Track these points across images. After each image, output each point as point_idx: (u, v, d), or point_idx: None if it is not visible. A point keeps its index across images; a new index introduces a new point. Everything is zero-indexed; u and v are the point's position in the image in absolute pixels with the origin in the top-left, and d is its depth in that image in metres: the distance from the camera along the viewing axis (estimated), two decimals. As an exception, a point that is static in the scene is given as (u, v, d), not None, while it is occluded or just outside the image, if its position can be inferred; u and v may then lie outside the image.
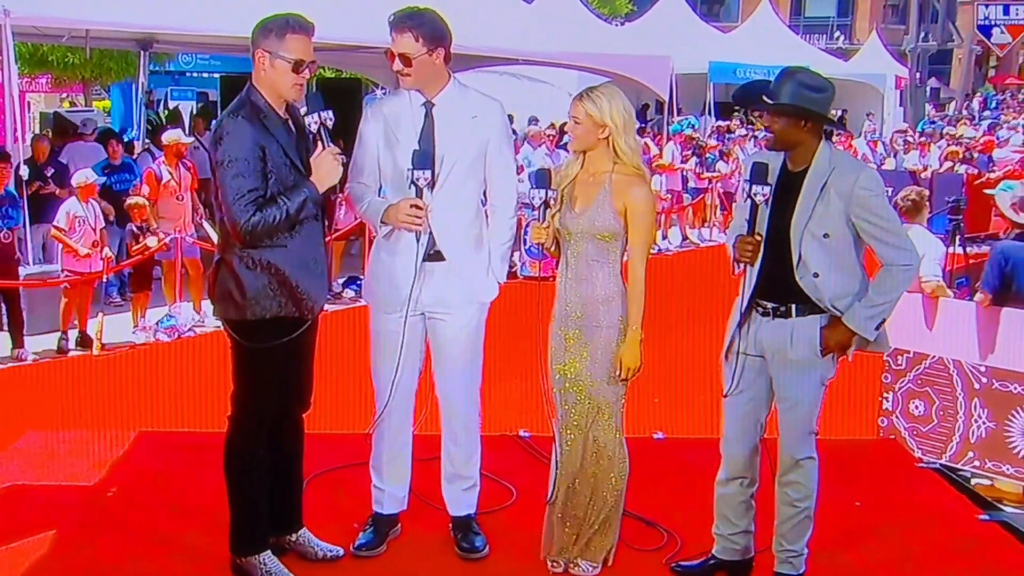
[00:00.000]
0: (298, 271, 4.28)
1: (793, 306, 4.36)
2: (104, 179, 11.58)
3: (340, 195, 11.03)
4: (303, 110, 4.42)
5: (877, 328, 4.32)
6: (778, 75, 4.35)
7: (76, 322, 10.37)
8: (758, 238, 4.36)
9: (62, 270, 10.44)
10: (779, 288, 4.37)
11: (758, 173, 4.35)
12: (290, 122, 4.36)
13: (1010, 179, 10.98)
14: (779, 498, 4.54)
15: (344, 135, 5.70)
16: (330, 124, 4.27)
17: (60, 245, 10.50)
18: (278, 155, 4.21)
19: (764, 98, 4.36)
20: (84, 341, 10.20)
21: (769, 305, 4.42)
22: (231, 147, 4.14)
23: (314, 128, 4.29)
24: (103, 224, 10.69)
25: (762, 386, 4.52)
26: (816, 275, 4.29)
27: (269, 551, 4.52)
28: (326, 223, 4.41)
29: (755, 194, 4.33)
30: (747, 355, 4.48)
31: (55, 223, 10.46)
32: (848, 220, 4.25)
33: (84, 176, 10.62)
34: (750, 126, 23.30)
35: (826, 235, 4.26)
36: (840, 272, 4.30)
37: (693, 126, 19.48)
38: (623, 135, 4.45)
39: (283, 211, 4.15)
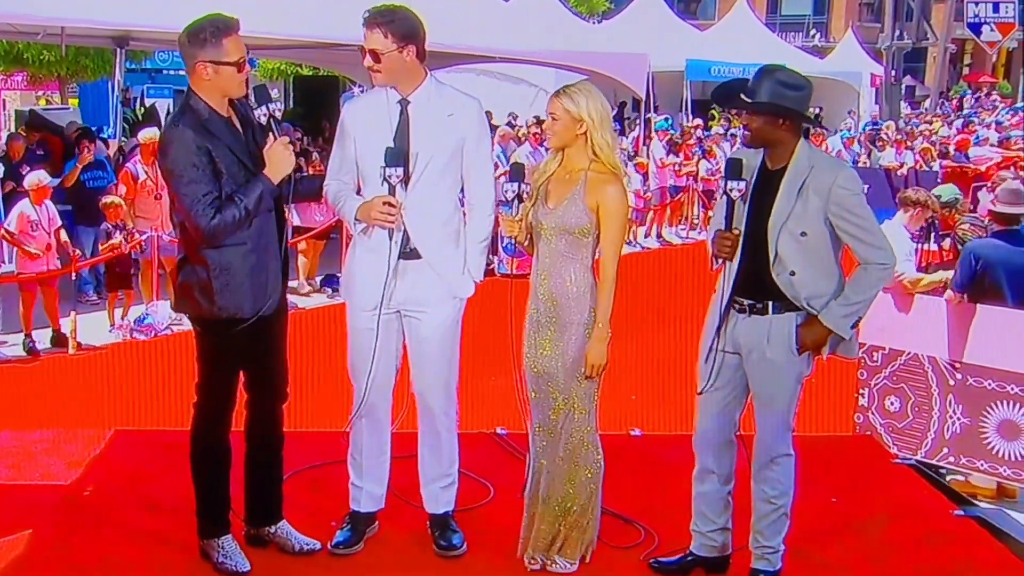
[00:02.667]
0: (255, 267, 4.34)
1: (770, 303, 4.38)
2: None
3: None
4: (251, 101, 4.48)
5: (853, 327, 4.35)
6: (756, 73, 4.37)
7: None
8: (736, 233, 4.38)
9: (16, 272, 10.22)
10: (756, 285, 4.39)
11: (733, 169, 4.39)
12: (234, 119, 4.40)
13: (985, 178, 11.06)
14: (756, 494, 4.56)
15: (322, 132, 5.70)
16: (278, 115, 4.30)
17: (15, 248, 10.20)
18: (226, 155, 4.27)
19: (742, 96, 4.38)
20: (59, 340, 10.13)
21: (746, 302, 4.43)
22: (178, 156, 4.21)
23: (263, 120, 4.36)
24: (58, 225, 10.49)
25: (738, 383, 4.54)
26: (792, 273, 4.31)
27: (229, 535, 4.59)
28: (283, 212, 4.52)
29: (731, 190, 4.36)
30: (724, 352, 4.49)
31: (5, 225, 10.21)
32: (825, 219, 4.27)
33: (37, 178, 10.34)
34: (726, 124, 23.39)
35: (803, 233, 4.28)
36: (816, 270, 4.32)
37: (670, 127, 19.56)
38: (599, 131, 4.46)
39: (241, 208, 4.23)
